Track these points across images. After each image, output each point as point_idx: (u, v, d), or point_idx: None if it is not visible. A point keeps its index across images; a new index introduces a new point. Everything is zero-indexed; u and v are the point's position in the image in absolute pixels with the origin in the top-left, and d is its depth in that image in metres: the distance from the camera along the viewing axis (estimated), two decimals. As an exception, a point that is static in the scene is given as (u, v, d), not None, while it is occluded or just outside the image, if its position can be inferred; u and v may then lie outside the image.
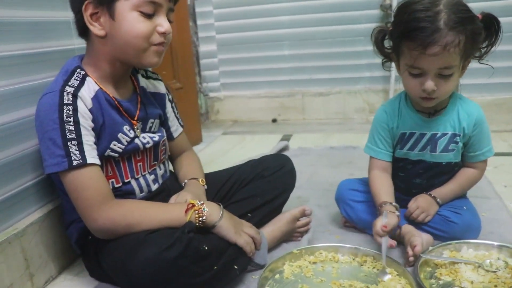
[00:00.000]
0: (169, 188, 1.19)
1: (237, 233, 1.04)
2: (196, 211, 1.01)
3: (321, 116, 2.90)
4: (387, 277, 1.06)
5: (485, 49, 1.15)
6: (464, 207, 1.24)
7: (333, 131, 2.59)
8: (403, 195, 1.31)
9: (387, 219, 1.11)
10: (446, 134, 1.20)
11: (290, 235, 1.28)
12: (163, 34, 1.00)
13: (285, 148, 2.25)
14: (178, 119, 1.28)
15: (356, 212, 1.30)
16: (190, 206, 1.01)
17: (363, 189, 1.34)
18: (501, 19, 2.36)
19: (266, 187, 1.23)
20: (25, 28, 1.12)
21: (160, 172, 1.20)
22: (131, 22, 0.96)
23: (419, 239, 1.13)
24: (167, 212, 1.01)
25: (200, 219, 1.00)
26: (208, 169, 1.31)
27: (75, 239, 1.11)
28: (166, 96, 1.23)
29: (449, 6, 1.06)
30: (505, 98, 2.37)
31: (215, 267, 0.97)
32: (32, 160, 1.13)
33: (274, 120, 2.97)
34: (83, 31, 1.02)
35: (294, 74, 2.90)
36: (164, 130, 1.22)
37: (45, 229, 1.15)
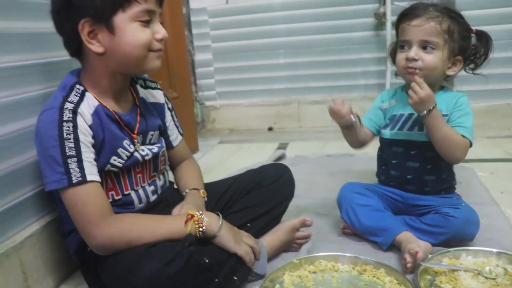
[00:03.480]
0: (167, 198, 1.18)
1: (236, 243, 1.04)
2: (196, 222, 1.00)
3: (317, 124, 2.91)
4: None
5: (479, 59, 1.29)
6: (462, 204, 1.28)
7: (330, 139, 2.60)
8: (398, 188, 1.36)
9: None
10: None
11: (289, 245, 1.27)
12: (161, 40, 1.01)
13: (282, 156, 2.25)
14: (177, 128, 1.28)
15: (357, 216, 1.30)
16: (190, 217, 1.00)
17: (366, 194, 1.35)
18: (496, 27, 2.40)
19: (265, 196, 1.23)
20: (22, 39, 1.12)
21: (159, 183, 1.19)
22: (132, 32, 0.96)
23: (417, 245, 1.14)
24: (167, 225, 1.00)
25: (200, 229, 1.00)
26: (205, 179, 1.31)
27: (74, 250, 1.10)
28: (165, 105, 1.23)
29: (442, 4, 1.25)
30: (500, 104, 2.39)
31: (216, 280, 0.96)
32: (30, 172, 1.13)
33: (270, 129, 2.97)
34: (76, 51, 1.01)
35: (289, 82, 2.92)
36: (163, 141, 1.21)
37: (43, 241, 1.14)
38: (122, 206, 1.08)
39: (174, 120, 1.26)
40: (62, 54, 1.24)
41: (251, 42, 2.89)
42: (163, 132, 1.23)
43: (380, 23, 2.63)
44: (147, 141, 1.15)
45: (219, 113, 3.04)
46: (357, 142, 1.39)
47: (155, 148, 1.15)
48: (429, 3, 1.26)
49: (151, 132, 1.16)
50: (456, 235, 1.22)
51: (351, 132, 1.33)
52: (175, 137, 1.27)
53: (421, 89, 1.18)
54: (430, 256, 1.14)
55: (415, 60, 1.23)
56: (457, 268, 1.10)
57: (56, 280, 1.19)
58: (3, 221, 1.04)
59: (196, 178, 1.25)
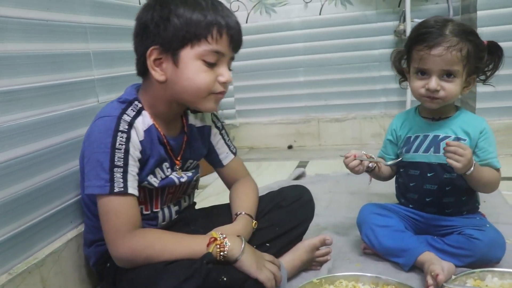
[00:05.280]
0: (187, 217, 1.19)
1: (258, 268, 1.01)
2: (218, 245, 0.99)
3: (338, 142, 2.89)
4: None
5: (490, 72, 1.27)
6: (487, 225, 1.24)
7: (350, 157, 2.57)
8: (418, 210, 1.34)
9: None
10: (449, 137, 1.26)
11: (309, 264, 1.26)
12: (224, 83, 1.03)
13: (302, 175, 2.24)
14: (229, 147, 1.28)
15: (377, 237, 1.28)
16: (212, 240, 1.00)
17: (386, 214, 1.33)
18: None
19: (284, 217, 1.22)
20: (46, 60, 1.15)
21: (184, 204, 1.21)
22: (194, 71, 0.99)
23: (440, 267, 1.11)
24: (188, 246, 0.99)
25: (222, 253, 0.99)
26: (225, 197, 1.31)
27: (93, 262, 1.13)
28: (212, 125, 1.24)
29: (456, 23, 1.22)
30: (524, 121, 2.34)
31: (234, 299, 0.96)
32: (52, 191, 1.14)
33: (290, 147, 2.97)
34: (142, 72, 1.05)
35: (309, 100, 2.91)
36: (199, 168, 1.23)
37: (64, 258, 1.15)
38: (147, 220, 1.10)
39: (224, 139, 1.27)
40: (84, 74, 1.28)
41: (270, 61, 2.91)
42: (209, 152, 1.25)
43: (400, 41, 2.62)
44: (185, 168, 1.17)
45: (239, 131, 3.05)
46: (385, 178, 1.42)
47: (189, 173, 1.17)
48: (441, 22, 1.21)
49: (190, 161, 1.18)
50: (481, 259, 1.18)
51: (373, 174, 1.35)
52: (225, 155, 1.27)
53: (464, 150, 1.12)
54: (453, 277, 1.11)
55: (437, 91, 1.21)
56: (483, 290, 1.07)
57: (76, 297, 1.20)
58: (25, 238, 1.06)
59: (251, 202, 1.22)
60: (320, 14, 2.77)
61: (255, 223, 1.17)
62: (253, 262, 1.01)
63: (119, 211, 0.97)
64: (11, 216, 1.02)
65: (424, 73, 1.23)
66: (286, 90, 2.93)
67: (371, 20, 2.69)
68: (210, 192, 2.02)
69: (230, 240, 1.01)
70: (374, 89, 2.78)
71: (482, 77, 1.28)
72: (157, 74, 1.01)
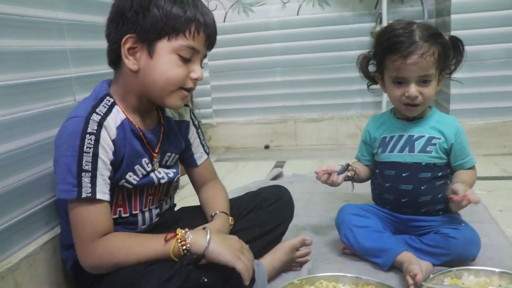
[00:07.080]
0: (168, 220, 1.17)
1: (234, 256, 0.96)
2: (179, 240, 0.95)
3: (314, 142, 2.91)
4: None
5: (453, 65, 1.31)
6: (462, 224, 1.28)
7: (327, 157, 2.60)
8: (394, 211, 1.36)
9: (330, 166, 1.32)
10: (423, 136, 1.30)
11: (290, 265, 1.26)
12: (195, 80, 1.02)
13: (280, 175, 2.24)
14: (203, 146, 1.26)
15: (356, 238, 1.30)
16: (172, 236, 0.96)
17: (364, 215, 1.34)
18: (492, 46, 2.41)
19: (264, 217, 1.22)
20: (21, 57, 1.11)
21: (165, 206, 1.19)
22: (168, 64, 0.97)
23: (418, 267, 1.13)
24: (149, 246, 0.96)
25: (184, 247, 0.94)
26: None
27: (70, 266, 1.10)
28: (191, 122, 1.23)
29: (421, 25, 1.24)
30: (496, 122, 2.39)
31: (215, 300, 0.94)
32: (27, 192, 1.11)
33: (266, 147, 2.97)
34: (114, 61, 1.03)
35: (286, 100, 2.92)
36: (179, 167, 1.21)
37: (40, 262, 1.12)
38: (126, 224, 1.08)
39: (200, 138, 1.26)
40: (61, 72, 1.25)
41: (247, 60, 2.91)
42: (186, 149, 1.22)
43: (376, 42, 2.65)
44: (164, 162, 1.14)
45: (216, 131, 3.04)
46: (364, 180, 1.44)
47: (171, 173, 1.14)
48: (408, 28, 1.22)
49: (169, 154, 1.15)
50: (458, 257, 1.21)
51: (354, 179, 1.38)
52: (200, 155, 1.25)
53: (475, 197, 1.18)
54: (432, 276, 1.13)
55: (416, 97, 1.24)
56: (460, 288, 1.09)
57: (52, 301, 1.16)
58: (-1, 241, 1.03)
59: (225, 202, 1.21)
60: (297, 14, 2.78)
61: (232, 219, 1.16)
62: (226, 251, 0.95)
63: (86, 220, 0.95)
64: (-17, 219, 0.98)
65: (401, 82, 1.25)
66: (263, 90, 2.93)
67: (348, 21, 2.72)
68: (187, 192, 2.00)
69: (192, 233, 0.96)
70: (350, 89, 2.81)
71: (447, 71, 1.32)
72: (130, 63, 0.98)
